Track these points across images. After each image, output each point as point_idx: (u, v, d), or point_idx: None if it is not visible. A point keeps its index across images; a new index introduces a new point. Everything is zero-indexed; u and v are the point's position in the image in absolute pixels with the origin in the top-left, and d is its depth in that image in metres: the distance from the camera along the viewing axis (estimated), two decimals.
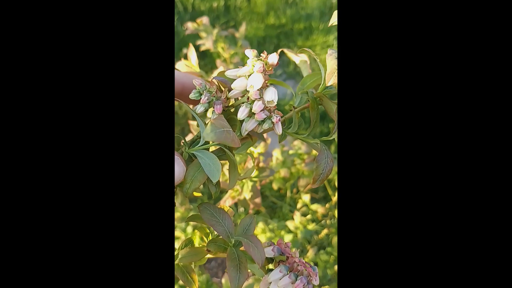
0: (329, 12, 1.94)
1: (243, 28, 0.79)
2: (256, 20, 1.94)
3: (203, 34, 0.74)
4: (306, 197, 0.81)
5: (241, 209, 1.15)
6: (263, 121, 0.26)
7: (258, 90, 0.25)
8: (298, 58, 0.32)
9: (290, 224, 0.72)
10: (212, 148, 0.27)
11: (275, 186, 0.69)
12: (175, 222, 0.73)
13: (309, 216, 0.82)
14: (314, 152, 0.71)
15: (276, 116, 0.26)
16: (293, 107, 0.30)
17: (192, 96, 0.26)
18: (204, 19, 0.74)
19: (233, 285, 0.24)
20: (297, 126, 0.29)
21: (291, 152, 0.70)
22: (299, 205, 0.82)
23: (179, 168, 0.25)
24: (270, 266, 0.29)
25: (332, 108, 0.27)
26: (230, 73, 0.26)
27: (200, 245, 0.30)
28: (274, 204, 1.23)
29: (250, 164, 0.48)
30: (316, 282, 0.26)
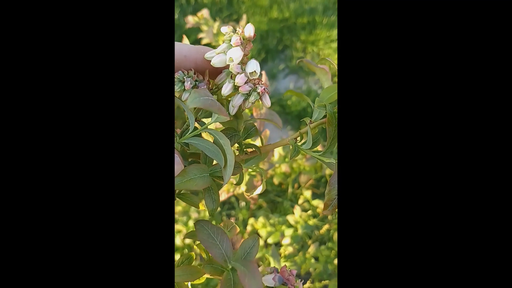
0: (332, 6, 1.92)
1: (244, 22, 0.78)
2: (259, 13, 1.93)
3: (204, 28, 0.73)
4: (307, 193, 0.81)
5: (243, 204, 1.15)
6: (248, 95, 0.25)
7: (239, 64, 0.24)
8: (319, 68, 0.30)
9: (290, 219, 0.72)
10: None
11: (276, 181, 0.69)
12: (177, 216, 0.73)
13: (310, 212, 0.82)
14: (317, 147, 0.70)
15: (261, 86, 0.25)
16: (310, 121, 0.28)
17: (176, 88, 0.26)
18: (205, 13, 0.73)
19: None
20: (312, 143, 0.27)
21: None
22: (300, 201, 0.81)
23: (177, 166, 0.24)
24: None
25: None
26: (208, 55, 0.26)
27: (198, 264, 0.29)
28: (275, 199, 1.23)
29: (258, 182, 0.46)
30: None
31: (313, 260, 0.62)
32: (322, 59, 0.30)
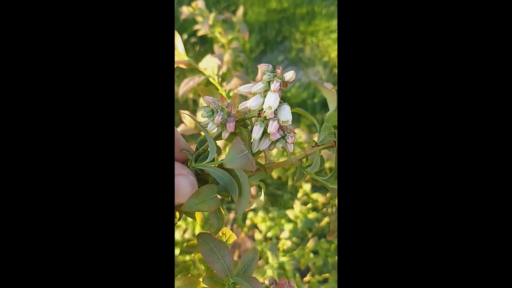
0: None
1: (240, 12, 0.76)
2: (258, 4, 1.90)
3: (199, 19, 0.71)
4: (307, 186, 0.80)
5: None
6: (277, 141, 0.25)
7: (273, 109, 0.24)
8: (327, 88, 0.30)
9: (290, 213, 0.71)
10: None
11: (274, 174, 0.68)
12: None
13: (309, 205, 0.81)
14: (315, 138, 0.69)
15: (291, 136, 0.25)
16: (316, 144, 0.27)
17: (204, 114, 0.25)
18: (200, 3, 0.71)
19: None
20: (319, 166, 0.27)
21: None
22: (299, 194, 0.81)
23: (192, 188, 0.23)
24: None
25: None
26: (243, 90, 0.25)
27: (197, 274, 0.29)
28: (275, 193, 1.23)
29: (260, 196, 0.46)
30: None
31: (312, 255, 0.62)
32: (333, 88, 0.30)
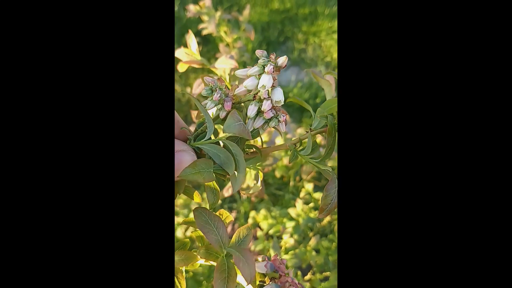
0: None
1: (246, 12, 0.77)
2: (260, 4, 1.90)
3: (205, 18, 0.72)
4: (309, 186, 0.81)
5: (244, 197, 1.15)
6: (270, 120, 0.28)
7: (267, 90, 0.26)
8: (324, 79, 0.32)
9: (292, 212, 0.72)
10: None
11: (277, 174, 0.68)
12: (178, 209, 0.73)
13: (311, 204, 0.82)
14: (317, 140, 0.70)
15: (283, 116, 0.28)
16: (310, 129, 0.30)
17: (204, 93, 0.28)
18: (207, 2, 0.72)
19: None
20: (311, 149, 0.29)
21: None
22: (302, 194, 0.81)
23: (190, 157, 0.24)
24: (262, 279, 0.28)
25: None
26: (240, 73, 0.28)
27: (193, 250, 0.30)
28: (277, 193, 1.23)
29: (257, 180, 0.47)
30: None
31: (314, 253, 0.62)
32: (329, 72, 0.32)
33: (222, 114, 0.27)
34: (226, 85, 0.28)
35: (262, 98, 0.27)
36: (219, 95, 0.27)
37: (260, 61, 0.27)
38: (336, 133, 0.28)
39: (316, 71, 0.33)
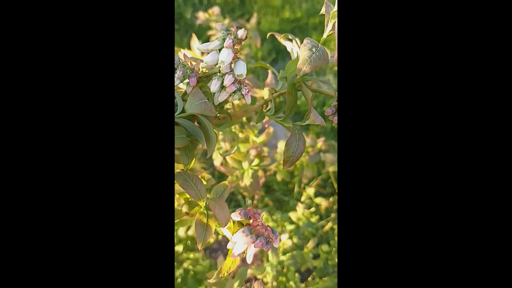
0: None
1: (254, 20, 0.79)
2: (271, 13, 1.94)
3: (213, 25, 0.74)
4: (310, 190, 0.82)
5: (249, 202, 1.16)
6: (233, 93, 0.28)
7: (228, 64, 0.27)
8: (288, 44, 0.33)
9: (292, 215, 0.73)
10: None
11: (279, 177, 0.70)
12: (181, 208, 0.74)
13: (312, 209, 0.82)
14: (318, 145, 0.71)
15: (245, 88, 0.28)
16: (274, 91, 0.31)
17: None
18: (216, 10, 0.74)
19: (198, 240, 0.26)
20: (274, 110, 0.31)
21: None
22: (303, 198, 0.82)
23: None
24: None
25: (309, 95, 0.28)
26: (202, 47, 0.28)
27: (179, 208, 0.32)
28: (281, 199, 1.24)
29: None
30: (276, 244, 0.27)
31: (311, 255, 0.63)
32: (285, 35, 0.33)
33: (189, 90, 0.28)
34: (190, 62, 0.28)
35: (223, 72, 0.27)
36: (181, 72, 0.27)
37: (220, 35, 0.27)
38: (296, 92, 0.30)
39: (277, 34, 0.35)
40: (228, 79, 0.27)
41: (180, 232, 0.72)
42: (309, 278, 0.79)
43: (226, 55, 0.27)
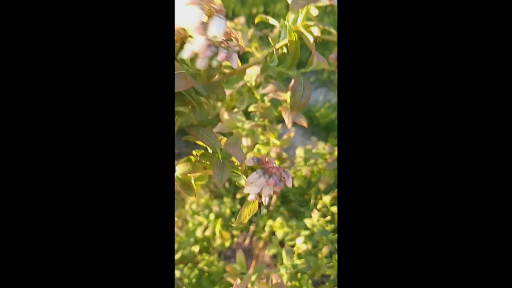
0: None
1: (276, 30, 0.82)
2: None
3: (238, 34, 0.77)
4: (326, 198, 0.82)
5: (264, 211, 1.17)
6: (211, 59, 0.23)
7: (199, 25, 0.21)
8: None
9: (307, 222, 0.74)
10: None
11: (296, 183, 0.71)
12: (199, 208, 0.76)
13: (328, 218, 0.82)
14: (336, 153, 0.72)
15: (224, 52, 0.22)
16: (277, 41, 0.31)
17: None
18: (241, 19, 0.78)
19: (217, 179, 0.27)
20: (277, 62, 0.31)
21: (314, 151, 0.72)
22: (319, 206, 0.83)
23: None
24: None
25: (310, 40, 0.28)
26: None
27: (197, 162, 0.33)
28: (297, 209, 1.24)
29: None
30: (288, 183, 0.29)
31: (325, 260, 0.63)
32: None
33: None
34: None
35: (189, 34, 0.22)
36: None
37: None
38: (298, 41, 0.28)
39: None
40: (199, 43, 0.21)
41: (198, 232, 0.74)
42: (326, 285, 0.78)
43: (192, 14, 0.21)
